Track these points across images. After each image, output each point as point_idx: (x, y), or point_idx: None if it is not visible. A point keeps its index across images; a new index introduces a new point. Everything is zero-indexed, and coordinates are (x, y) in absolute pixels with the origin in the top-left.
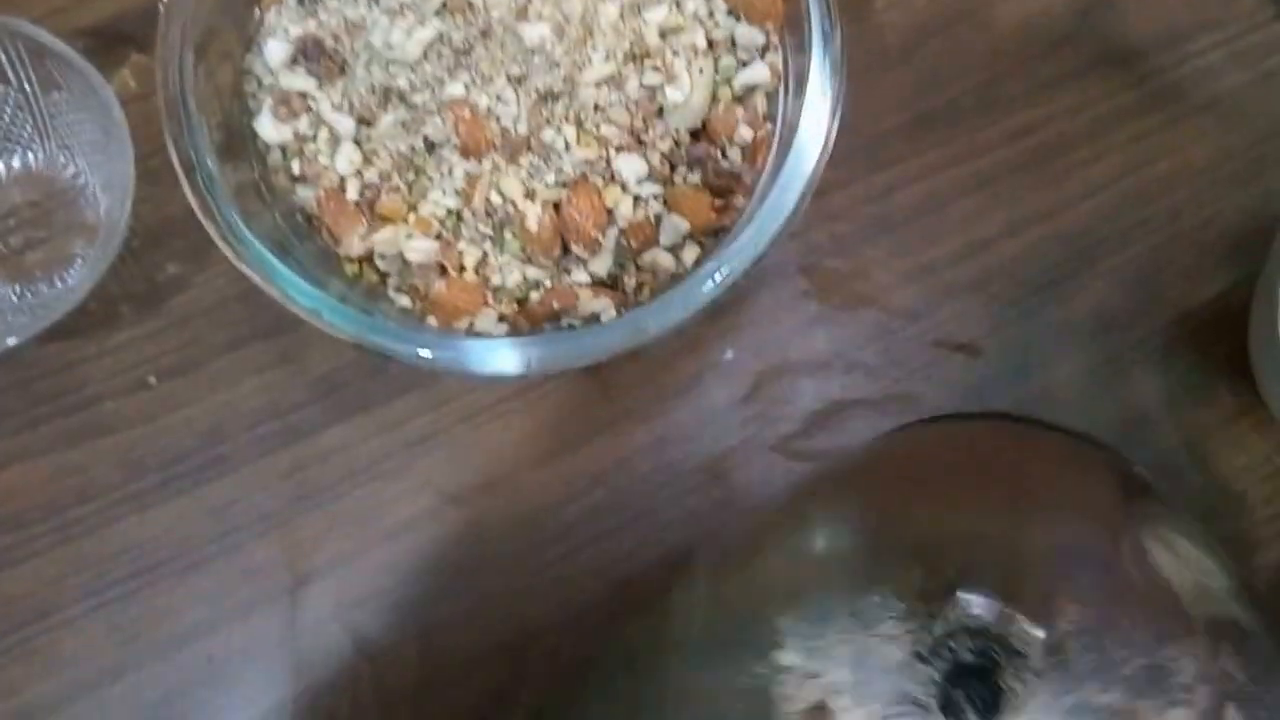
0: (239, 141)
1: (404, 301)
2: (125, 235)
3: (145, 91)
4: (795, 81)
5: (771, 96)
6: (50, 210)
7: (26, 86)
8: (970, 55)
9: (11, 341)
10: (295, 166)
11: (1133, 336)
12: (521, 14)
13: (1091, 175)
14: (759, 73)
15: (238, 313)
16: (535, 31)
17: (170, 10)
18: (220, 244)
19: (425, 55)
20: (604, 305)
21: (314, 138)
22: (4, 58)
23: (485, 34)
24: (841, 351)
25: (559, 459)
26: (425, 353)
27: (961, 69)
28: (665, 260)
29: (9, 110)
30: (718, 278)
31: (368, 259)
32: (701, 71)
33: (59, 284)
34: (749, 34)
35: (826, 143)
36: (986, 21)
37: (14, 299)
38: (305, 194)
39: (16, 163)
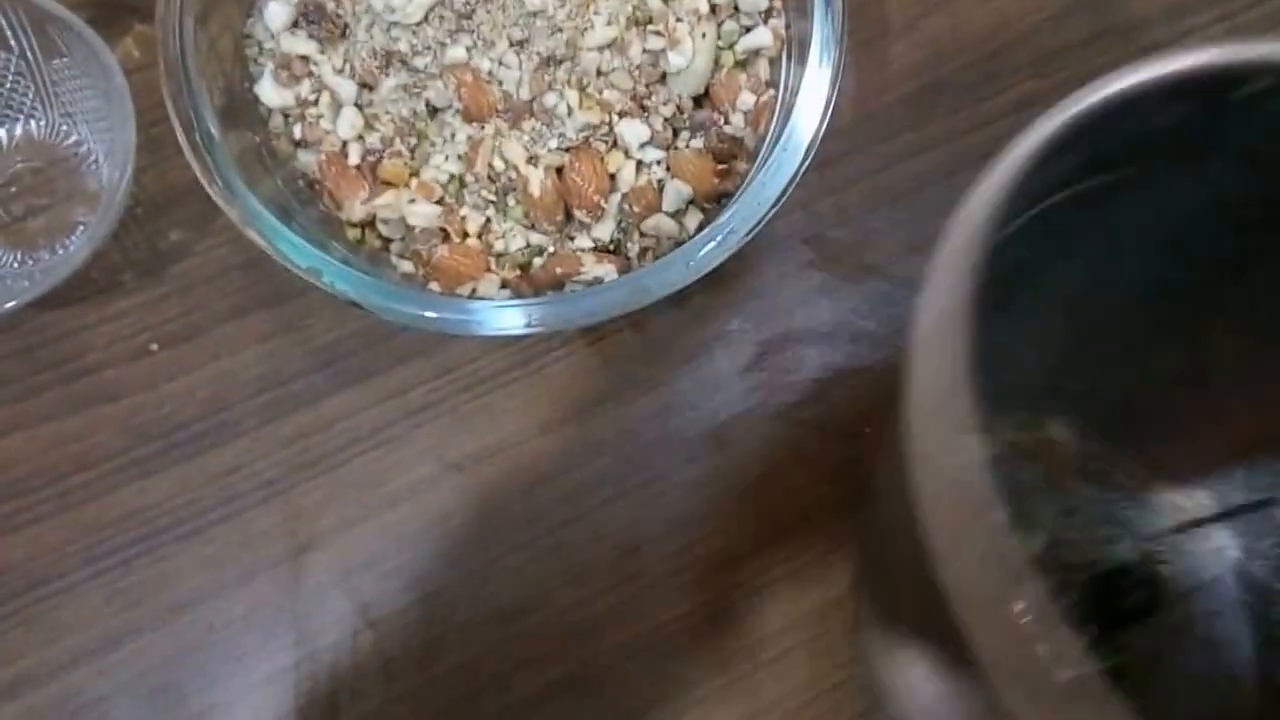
0: (241, 106)
1: (406, 267)
2: (127, 203)
3: (149, 61)
4: (798, 47)
5: (774, 62)
6: (52, 178)
7: (29, 53)
8: (974, 26)
9: (10, 305)
10: (297, 131)
11: None
12: None
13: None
14: (761, 38)
15: (240, 280)
16: None
17: None
18: (222, 205)
19: (427, 18)
20: (607, 271)
21: (315, 102)
22: (5, 23)
23: None
24: (845, 321)
25: (562, 427)
26: (429, 313)
27: (965, 40)
28: (668, 226)
29: (10, 77)
30: (719, 239)
31: (370, 224)
32: (704, 36)
33: (60, 251)
34: None
35: (827, 107)
36: None
37: (15, 266)
38: (307, 159)
39: (19, 130)
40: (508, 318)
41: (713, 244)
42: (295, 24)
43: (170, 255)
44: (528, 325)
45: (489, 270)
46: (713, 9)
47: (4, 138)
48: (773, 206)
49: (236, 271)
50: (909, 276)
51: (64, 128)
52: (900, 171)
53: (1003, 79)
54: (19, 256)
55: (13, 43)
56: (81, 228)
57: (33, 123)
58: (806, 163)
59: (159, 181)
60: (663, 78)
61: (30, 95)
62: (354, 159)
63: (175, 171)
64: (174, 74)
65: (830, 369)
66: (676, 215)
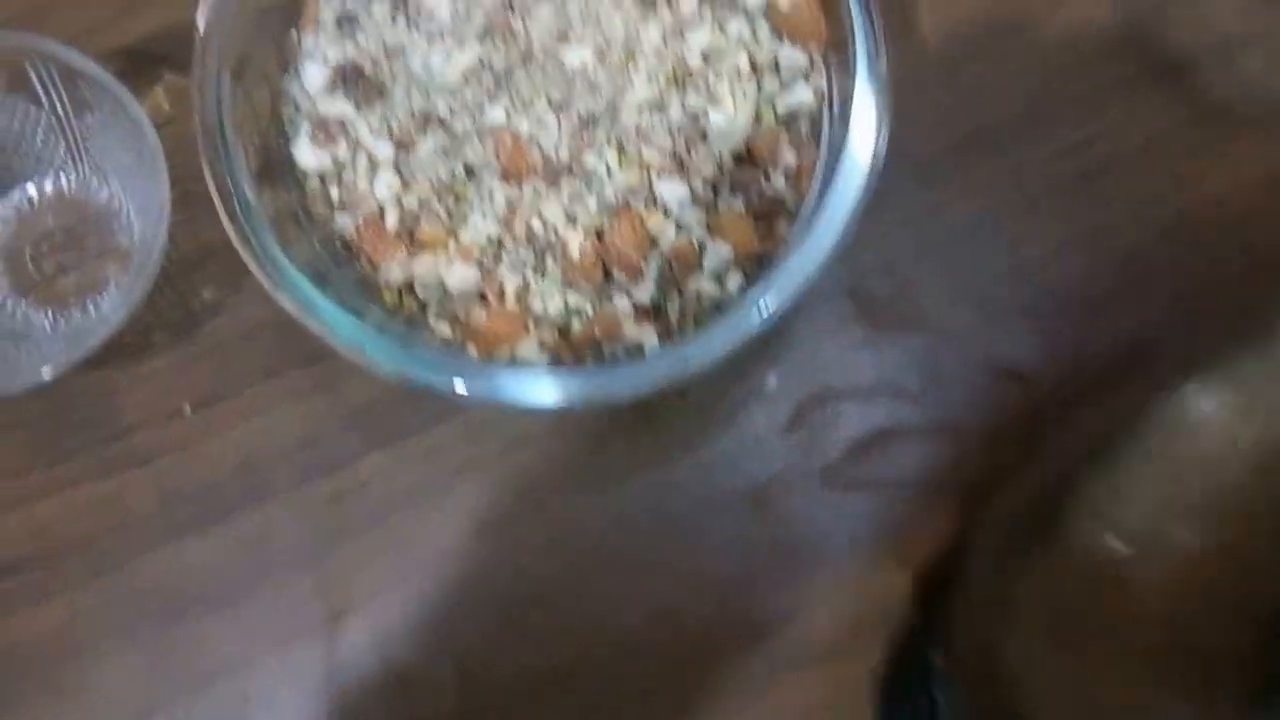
0: (276, 167)
1: (444, 330)
2: (160, 262)
3: (179, 113)
4: (840, 104)
5: (815, 119)
6: (83, 235)
7: (59, 109)
8: (1016, 70)
9: (47, 372)
10: (334, 193)
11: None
12: (563, 38)
13: (1142, 193)
14: (803, 95)
15: (273, 339)
16: (576, 56)
17: (207, 33)
18: (258, 275)
19: (465, 80)
20: (647, 333)
21: (352, 163)
22: (36, 80)
23: (526, 58)
24: (887, 377)
25: (600, 487)
26: (464, 388)
27: (1007, 85)
28: (709, 287)
29: (41, 133)
30: (764, 309)
31: (407, 287)
32: (745, 94)
33: (92, 310)
34: (792, 56)
35: (874, 166)
36: (1032, 35)
37: (47, 326)
38: (344, 221)
39: (49, 186)
40: (547, 391)
41: (756, 315)
42: (333, 85)
43: (202, 314)
44: (567, 402)
45: (527, 332)
46: (753, 66)
47: (34, 194)
48: (818, 271)
49: (269, 330)
50: (952, 331)
51: (95, 182)
52: (942, 221)
53: (1046, 124)
54: (50, 315)
55: (43, 98)
56: (113, 285)
57: (63, 178)
58: (853, 224)
59: (191, 238)
60: (703, 136)
61: (61, 150)
62: (391, 222)
63: (207, 228)
64: (211, 141)
65: (871, 428)
66: (717, 276)
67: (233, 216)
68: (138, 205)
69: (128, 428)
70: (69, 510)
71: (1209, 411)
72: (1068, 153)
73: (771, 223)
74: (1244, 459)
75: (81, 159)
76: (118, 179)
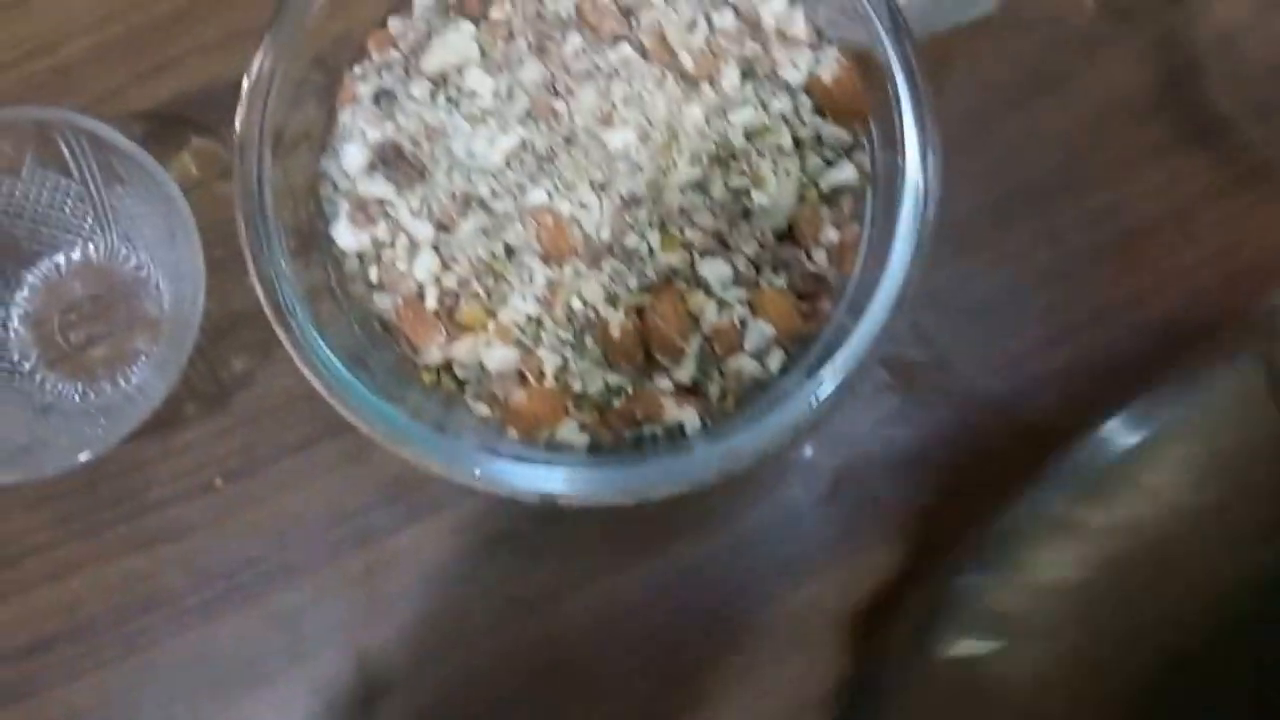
0: (313, 245)
1: (482, 410)
2: (197, 337)
3: (207, 177)
4: (885, 179)
5: (859, 195)
6: (112, 304)
7: (89, 180)
8: (1051, 131)
9: (84, 457)
10: (372, 274)
11: None
12: (606, 120)
13: (1180, 260)
14: (846, 172)
15: (305, 410)
16: (620, 137)
17: (247, 112)
18: (296, 359)
19: (508, 163)
20: (688, 413)
21: (392, 244)
22: (67, 151)
23: (569, 140)
24: (924, 448)
25: (637, 562)
26: (506, 488)
27: (1042, 146)
28: (750, 366)
29: (70, 202)
30: (814, 401)
31: (446, 366)
32: (788, 173)
33: (122, 383)
34: (836, 133)
35: (923, 244)
36: (1067, 96)
37: (77, 398)
38: (383, 302)
39: (77, 254)
40: (593, 487)
41: (809, 406)
42: (372, 166)
43: (233, 384)
44: (617, 497)
45: (566, 413)
46: (796, 144)
47: (62, 263)
48: (868, 353)
49: (302, 401)
50: (990, 400)
51: (124, 251)
52: (977, 287)
53: (1082, 188)
54: (79, 389)
55: (73, 169)
56: (143, 357)
57: (91, 247)
58: (901, 304)
59: (221, 307)
60: (745, 214)
61: (89, 220)
62: (431, 302)
63: (237, 295)
64: (249, 216)
65: (909, 499)
66: (759, 356)
67: (271, 299)
68: (168, 275)
69: (160, 501)
70: (101, 586)
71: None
72: (1103, 216)
73: (814, 301)
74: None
75: (110, 228)
76: (147, 249)
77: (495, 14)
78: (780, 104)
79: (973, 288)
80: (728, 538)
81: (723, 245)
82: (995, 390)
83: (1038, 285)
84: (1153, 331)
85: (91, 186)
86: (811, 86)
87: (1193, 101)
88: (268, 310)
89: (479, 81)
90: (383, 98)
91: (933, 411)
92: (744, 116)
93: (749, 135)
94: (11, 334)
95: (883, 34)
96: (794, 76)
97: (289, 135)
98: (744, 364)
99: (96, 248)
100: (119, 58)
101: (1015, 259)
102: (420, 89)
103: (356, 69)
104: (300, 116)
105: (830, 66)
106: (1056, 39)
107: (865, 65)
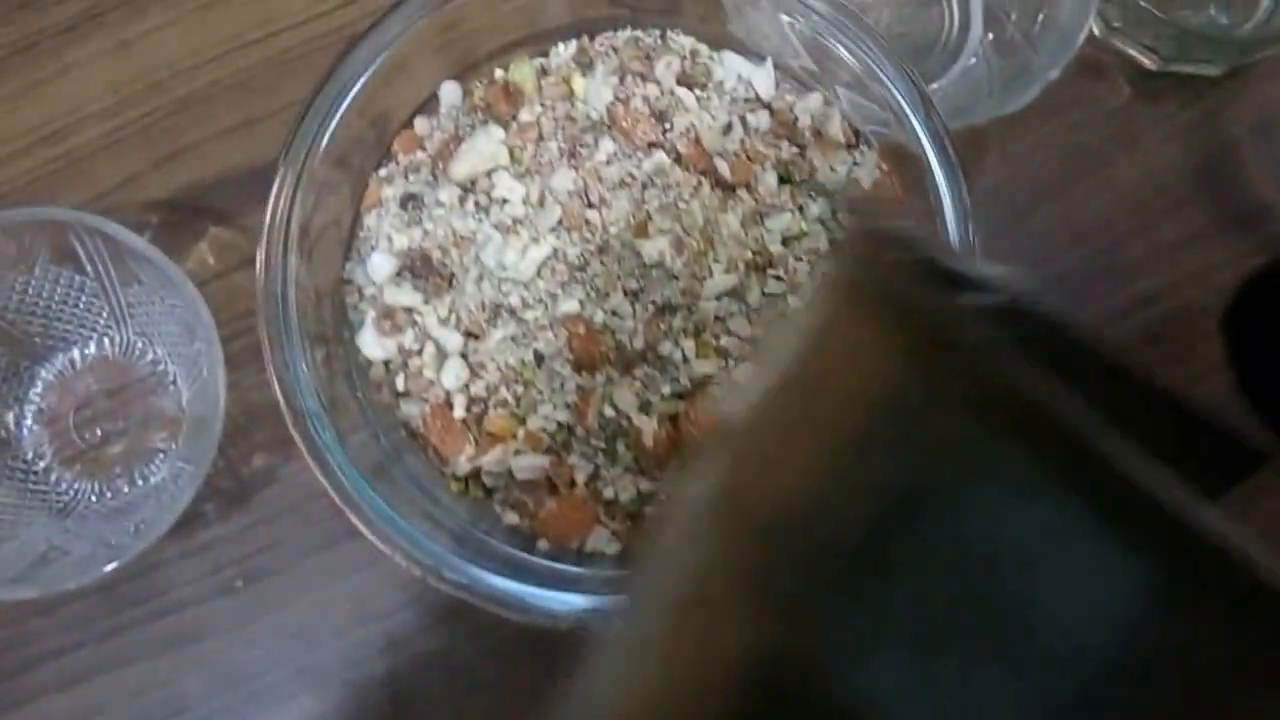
0: (336, 353)
1: (512, 518)
2: (220, 439)
3: (223, 268)
4: None
5: None
6: (128, 400)
7: (104, 277)
8: (1089, 218)
9: (110, 568)
10: (399, 382)
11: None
12: (641, 231)
13: (1218, 348)
14: None
15: (328, 508)
16: (654, 247)
17: (270, 220)
18: (316, 471)
19: (539, 272)
20: None
21: (419, 352)
22: (81, 250)
23: (602, 250)
24: None
25: None
26: (541, 616)
27: (1080, 233)
28: None
29: (84, 298)
30: None
31: (474, 475)
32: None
33: (140, 482)
34: None
35: None
36: (1104, 182)
37: (94, 499)
38: (409, 409)
39: (92, 349)
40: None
41: None
42: (399, 274)
43: (253, 482)
44: None
45: (598, 522)
46: (832, 244)
47: (76, 358)
48: None
49: (322, 498)
50: None
51: (140, 346)
52: None
53: (1120, 275)
54: (96, 488)
55: (88, 267)
56: (161, 455)
57: (106, 341)
58: None
59: (239, 402)
60: (781, 319)
61: (104, 315)
62: (459, 411)
63: (256, 391)
64: (277, 341)
65: None
66: None
67: (293, 409)
68: (185, 371)
69: (180, 603)
70: (121, 690)
71: None
72: (1142, 303)
73: None
74: None
75: (126, 324)
76: (164, 344)
77: (525, 116)
78: (818, 208)
79: None
80: None
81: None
82: None
83: None
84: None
85: (106, 283)
86: (850, 189)
87: (1228, 187)
88: (290, 422)
89: (509, 188)
90: (409, 202)
91: None
92: (782, 222)
93: (786, 240)
94: (25, 431)
95: (919, 131)
96: (832, 179)
97: (312, 238)
98: None
99: (112, 343)
100: (133, 145)
101: None
102: (448, 194)
103: (382, 171)
104: (323, 218)
105: (869, 169)
106: (1091, 125)
107: (900, 157)
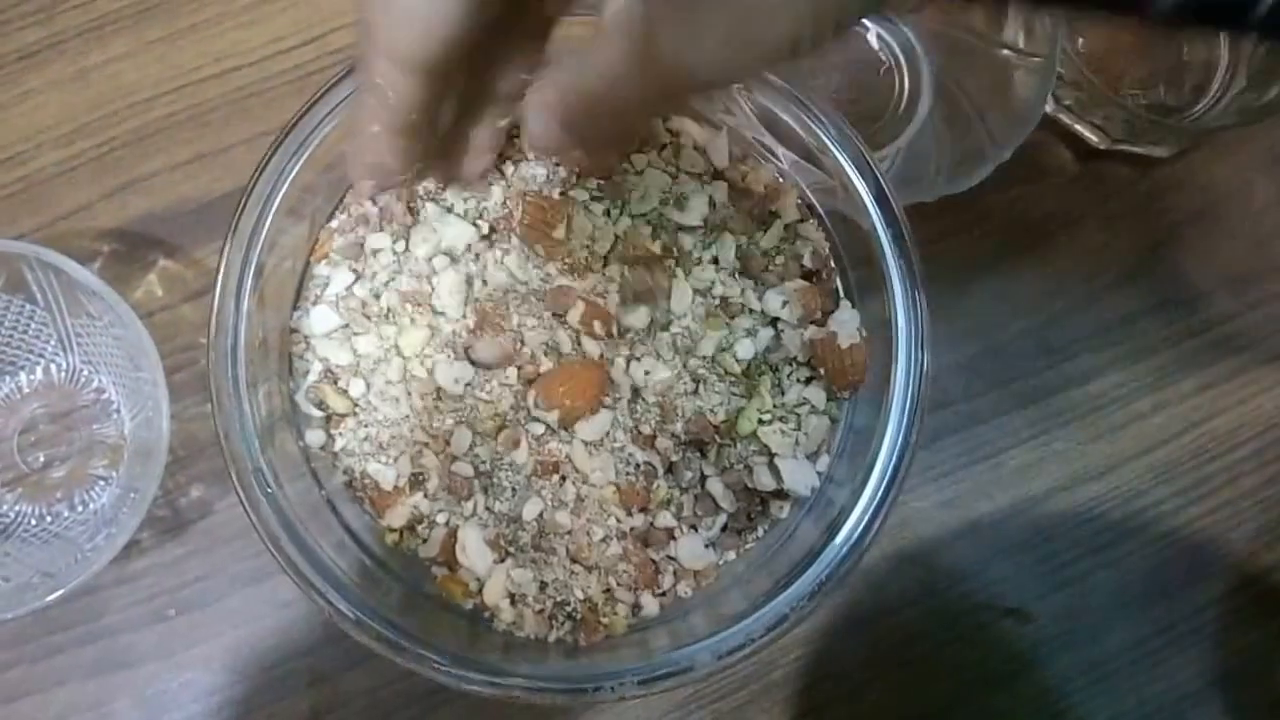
0: (282, 397)
1: (442, 573)
2: (162, 472)
3: (171, 300)
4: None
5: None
6: (72, 426)
7: (53, 307)
8: (1027, 293)
9: (53, 598)
10: (336, 441)
11: (1188, 606)
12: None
13: (1151, 428)
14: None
15: (259, 543)
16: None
17: (227, 266)
18: (257, 530)
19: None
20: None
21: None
22: (32, 280)
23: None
24: (886, 611)
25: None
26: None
27: (1017, 308)
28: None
29: (33, 325)
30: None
31: (409, 527)
32: None
33: (80, 507)
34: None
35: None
36: (1044, 257)
37: (34, 522)
38: (348, 462)
39: (38, 373)
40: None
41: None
42: (340, 331)
43: (189, 513)
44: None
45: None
46: None
47: (24, 383)
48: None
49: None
50: (952, 566)
51: (85, 373)
52: (945, 449)
53: (1057, 351)
54: (37, 512)
55: (39, 297)
56: (102, 483)
57: (53, 367)
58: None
59: (179, 433)
60: None
61: (52, 343)
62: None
63: (197, 423)
64: (221, 370)
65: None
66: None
67: (235, 460)
68: (129, 400)
69: (112, 629)
70: (51, 711)
71: None
72: (1078, 380)
73: None
74: None
75: (73, 351)
76: (109, 374)
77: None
78: None
79: (940, 448)
80: None
81: None
82: (958, 556)
83: (1007, 449)
84: (1120, 501)
85: (55, 312)
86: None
87: (1169, 268)
88: (232, 473)
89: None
90: (356, 256)
91: (893, 576)
92: None
93: None
94: None
95: (865, 198)
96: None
97: (262, 286)
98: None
99: (59, 369)
100: (88, 174)
101: (986, 420)
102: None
103: (334, 222)
104: (276, 264)
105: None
106: (1035, 199)
107: (854, 232)
